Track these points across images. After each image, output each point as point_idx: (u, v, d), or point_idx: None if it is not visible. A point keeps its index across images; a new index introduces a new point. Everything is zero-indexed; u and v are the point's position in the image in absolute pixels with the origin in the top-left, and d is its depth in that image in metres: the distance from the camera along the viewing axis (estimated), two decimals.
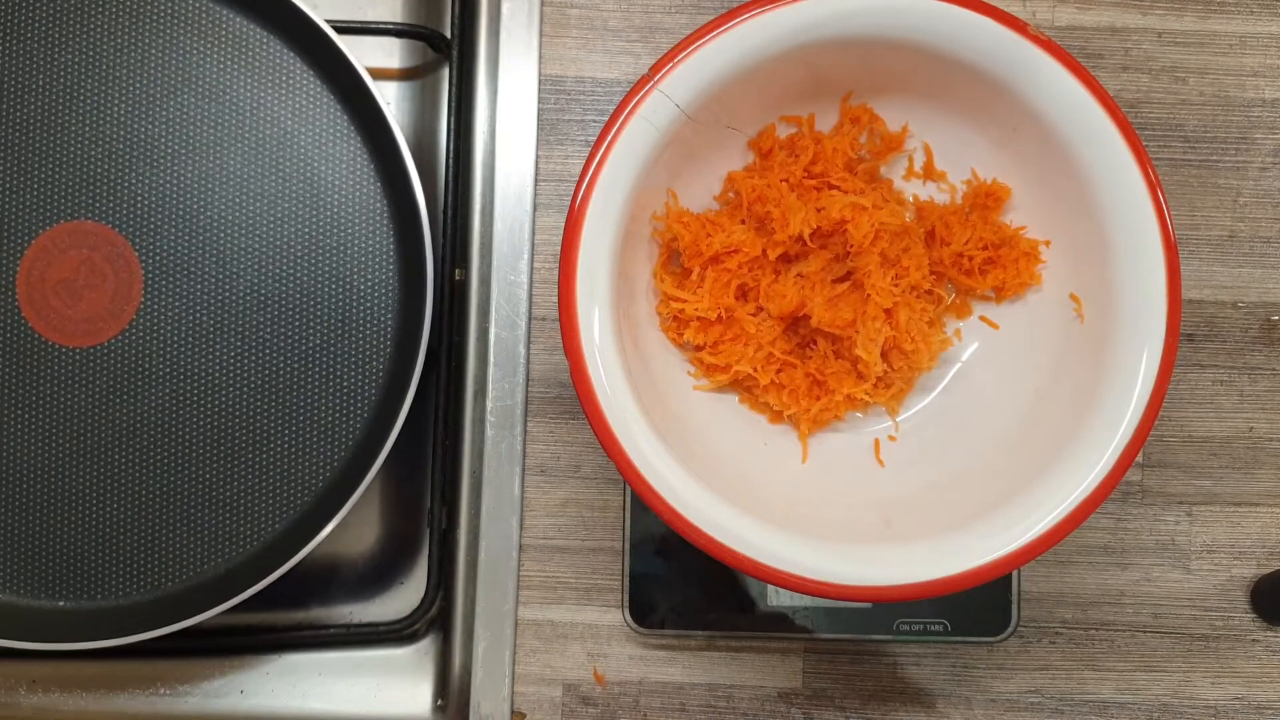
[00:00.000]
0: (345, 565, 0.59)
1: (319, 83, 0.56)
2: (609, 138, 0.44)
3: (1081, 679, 0.57)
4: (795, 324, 0.51)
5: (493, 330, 0.57)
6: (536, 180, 0.57)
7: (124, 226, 0.55)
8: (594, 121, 0.58)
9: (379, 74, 0.60)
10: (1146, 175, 0.45)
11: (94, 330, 0.54)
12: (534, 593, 0.57)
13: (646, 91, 0.44)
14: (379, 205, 0.56)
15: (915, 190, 0.52)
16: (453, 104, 0.57)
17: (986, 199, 0.50)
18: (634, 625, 0.55)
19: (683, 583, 0.55)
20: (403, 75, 0.60)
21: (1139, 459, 0.57)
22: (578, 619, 0.57)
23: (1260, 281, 0.58)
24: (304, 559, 0.51)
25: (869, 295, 0.48)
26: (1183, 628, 0.57)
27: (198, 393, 0.54)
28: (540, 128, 0.58)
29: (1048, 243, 0.50)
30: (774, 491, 0.48)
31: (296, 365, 0.55)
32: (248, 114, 0.55)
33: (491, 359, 0.57)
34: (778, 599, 0.55)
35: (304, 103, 0.56)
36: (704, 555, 0.44)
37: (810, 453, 0.50)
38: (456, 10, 0.57)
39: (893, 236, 0.49)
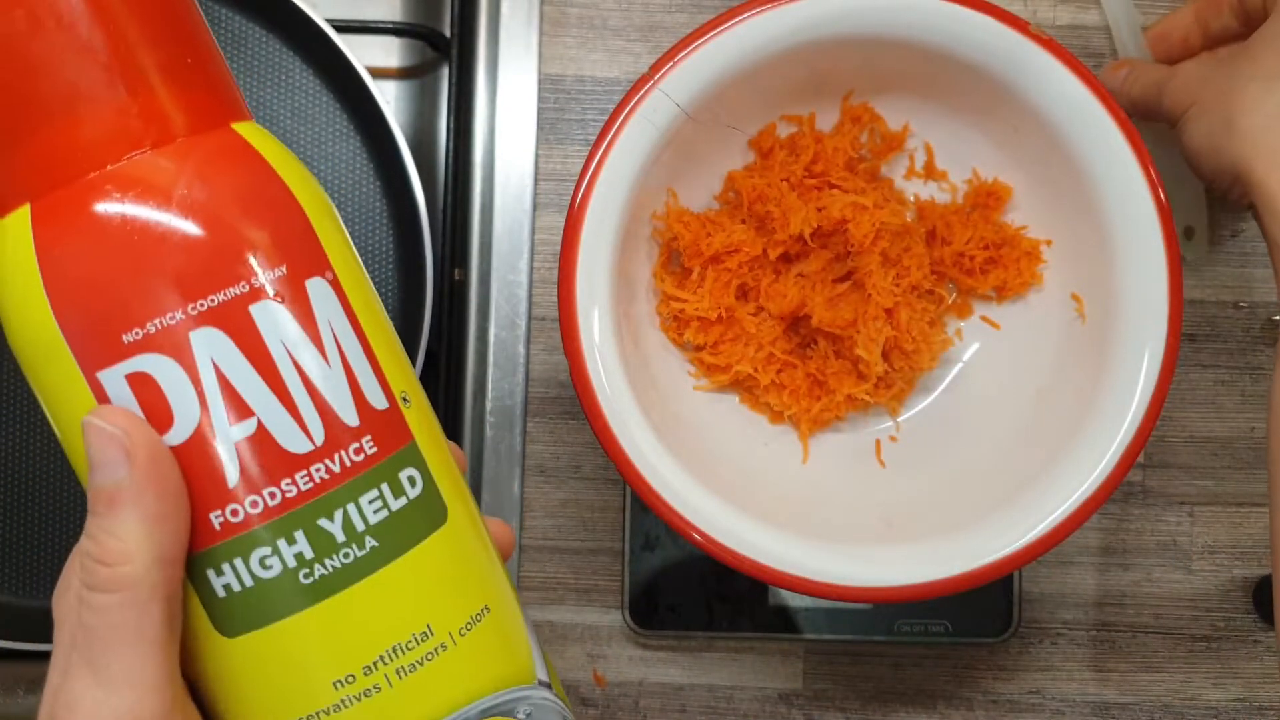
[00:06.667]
0: None
1: (318, 82, 0.56)
2: (609, 137, 0.44)
3: (1083, 680, 0.57)
4: (796, 324, 0.50)
5: (492, 330, 0.57)
6: (536, 180, 0.57)
7: None
8: (594, 121, 0.58)
9: (378, 73, 0.60)
10: (1148, 174, 0.45)
11: None
12: (534, 593, 0.57)
13: (647, 91, 0.44)
14: (379, 205, 0.56)
15: (916, 190, 0.52)
16: (452, 103, 0.56)
17: (988, 198, 0.50)
18: (634, 626, 0.55)
19: (683, 583, 0.55)
20: (402, 74, 0.60)
21: (1140, 459, 0.57)
22: (577, 620, 0.57)
23: (1262, 281, 0.58)
24: None
25: (870, 295, 0.48)
26: (1184, 629, 0.57)
27: None
28: (540, 127, 0.58)
29: (1049, 242, 0.50)
30: (774, 492, 0.48)
31: None
32: None
33: (491, 359, 0.57)
34: (778, 600, 0.55)
35: (304, 102, 0.56)
36: (704, 555, 0.44)
37: (811, 453, 0.50)
38: (456, 9, 0.57)
39: (894, 236, 0.48)
